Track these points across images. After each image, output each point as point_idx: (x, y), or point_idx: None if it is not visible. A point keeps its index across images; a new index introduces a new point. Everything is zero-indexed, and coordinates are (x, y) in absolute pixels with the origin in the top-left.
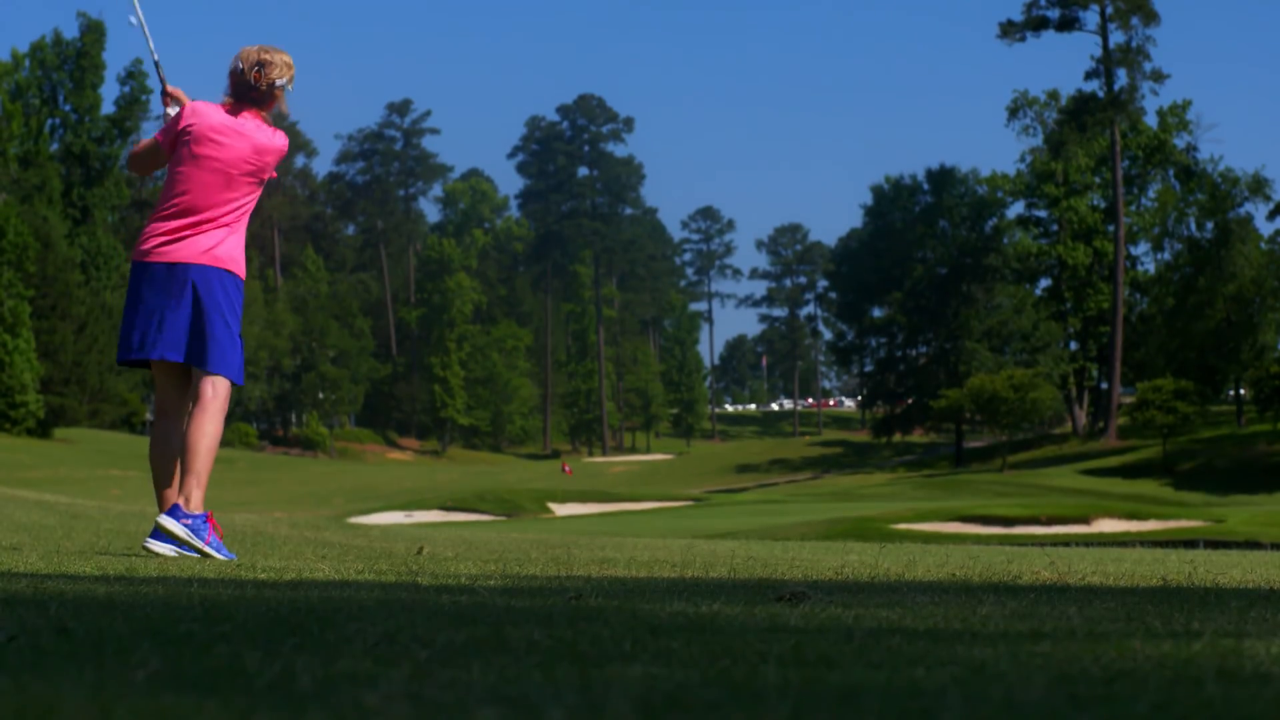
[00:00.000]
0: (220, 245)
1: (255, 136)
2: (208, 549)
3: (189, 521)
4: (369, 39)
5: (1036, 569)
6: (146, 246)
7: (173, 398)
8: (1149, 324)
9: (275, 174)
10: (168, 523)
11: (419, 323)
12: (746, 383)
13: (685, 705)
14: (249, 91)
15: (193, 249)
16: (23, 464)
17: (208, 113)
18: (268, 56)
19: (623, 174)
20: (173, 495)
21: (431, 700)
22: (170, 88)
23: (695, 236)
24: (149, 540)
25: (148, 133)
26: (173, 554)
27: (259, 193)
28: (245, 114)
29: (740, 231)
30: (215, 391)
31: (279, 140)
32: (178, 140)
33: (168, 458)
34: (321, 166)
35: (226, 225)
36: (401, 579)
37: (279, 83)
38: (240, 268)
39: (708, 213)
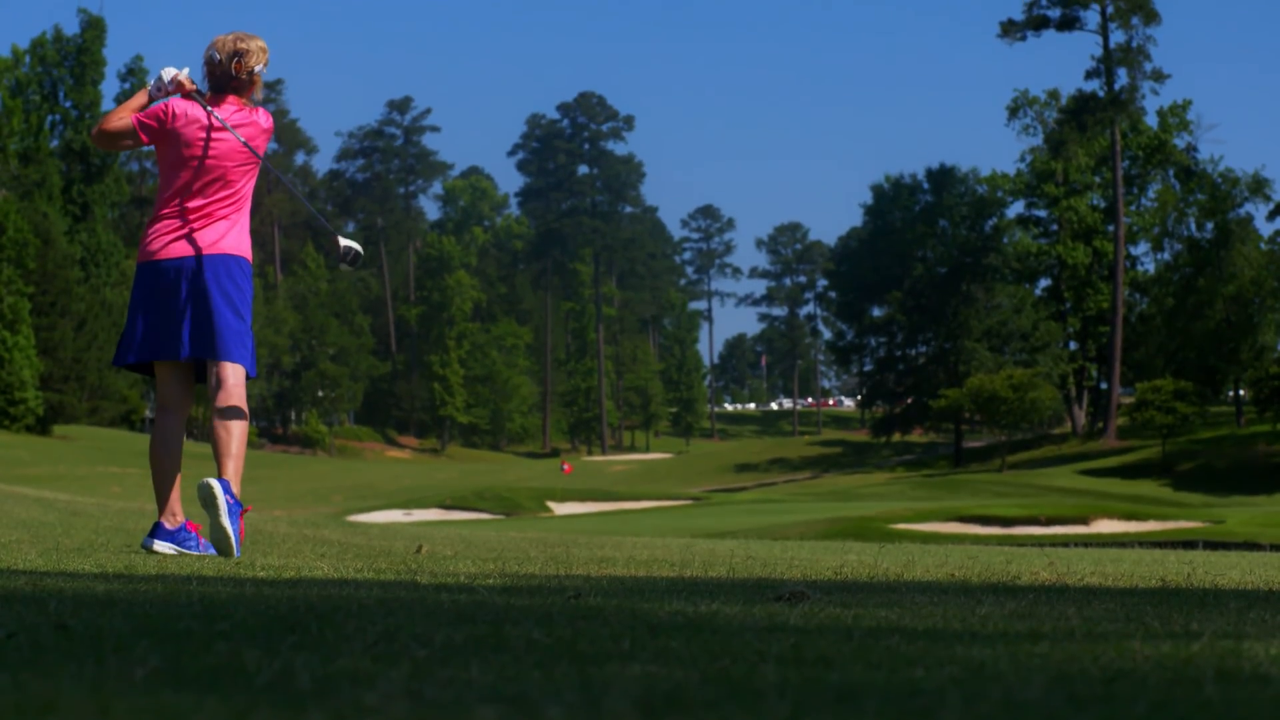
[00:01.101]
0: (225, 237)
1: (241, 124)
2: (231, 535)
3: (231, 501)
4: (369, 36)
5: (1035, 569)
6: (152, 247)
7: (176, 393)
8: (1148, 324)
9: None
10: (215, 486)
11: (418, 320)
12: (746, 382)
13: (684, 704)
14: (229, 81)
15: (197, 243)
16: (22, 461)
17: (193, 114)
18: (244, 45)
19: (623, 172)
20: (175, 501)
21: (431, 699)
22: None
23: (695, 235)
24: (155, 541)
25: None
26: (172, 552)
27: (255, 173)
28: (226, 103)
29: (740, 230)
30: (237, 377)
31: (264, 121)
32: (165, 143)
33: (170, 455)
34: (322, 164)
35: (226, 217)
36: (400, 577)
37: (257, 69)
38: (246, 252)
39: (708, 211)
